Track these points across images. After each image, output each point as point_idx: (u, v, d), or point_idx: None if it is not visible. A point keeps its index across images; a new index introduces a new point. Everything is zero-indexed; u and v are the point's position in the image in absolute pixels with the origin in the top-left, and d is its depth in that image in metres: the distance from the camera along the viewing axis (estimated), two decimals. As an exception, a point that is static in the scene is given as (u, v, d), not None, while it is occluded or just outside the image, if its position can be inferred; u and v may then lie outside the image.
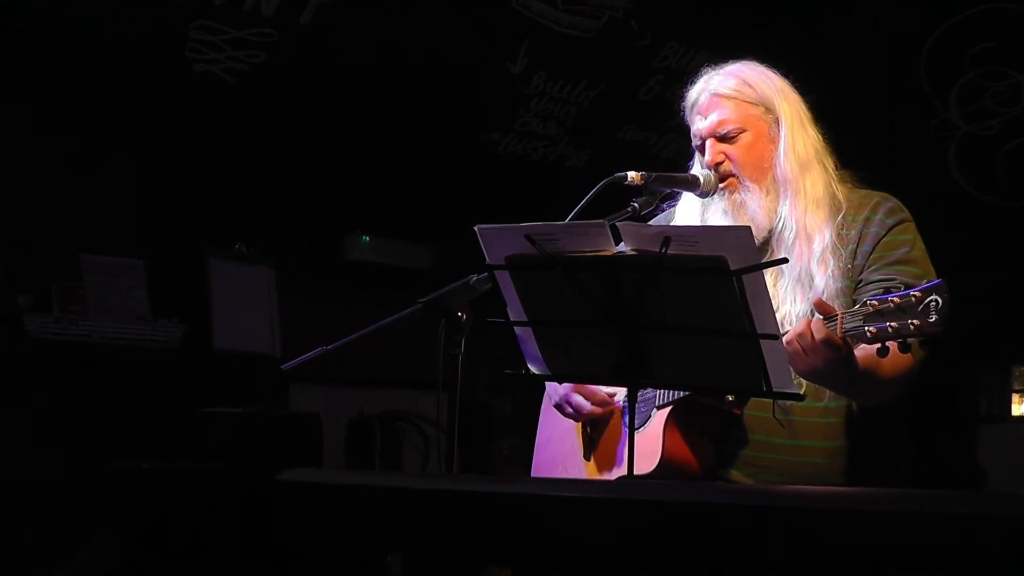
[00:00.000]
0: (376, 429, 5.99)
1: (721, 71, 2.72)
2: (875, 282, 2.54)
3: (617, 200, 2.66)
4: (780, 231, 2.63)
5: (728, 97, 2.68)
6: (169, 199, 5.28)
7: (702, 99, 2.71)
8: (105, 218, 5.13)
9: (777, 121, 2.67)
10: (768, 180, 2.66)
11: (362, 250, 6.02)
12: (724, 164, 2.67)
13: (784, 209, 2.63)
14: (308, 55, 5.10)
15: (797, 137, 2.66)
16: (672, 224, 2.78)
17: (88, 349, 4.70)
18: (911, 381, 2.52)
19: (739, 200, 2.65)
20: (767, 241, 2.64)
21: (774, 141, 2.67)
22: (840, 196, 2.65)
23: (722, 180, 2.67)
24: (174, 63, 4.94)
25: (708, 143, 2.69)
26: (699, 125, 2.71)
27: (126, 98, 4.97)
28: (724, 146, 2.67)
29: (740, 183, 2.66)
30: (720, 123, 2.67)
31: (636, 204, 2.66)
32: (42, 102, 4.87)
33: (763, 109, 2.68)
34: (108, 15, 4.71)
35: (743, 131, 2.66)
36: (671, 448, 2.56)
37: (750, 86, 2.68)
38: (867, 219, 2.62)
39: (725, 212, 2.66)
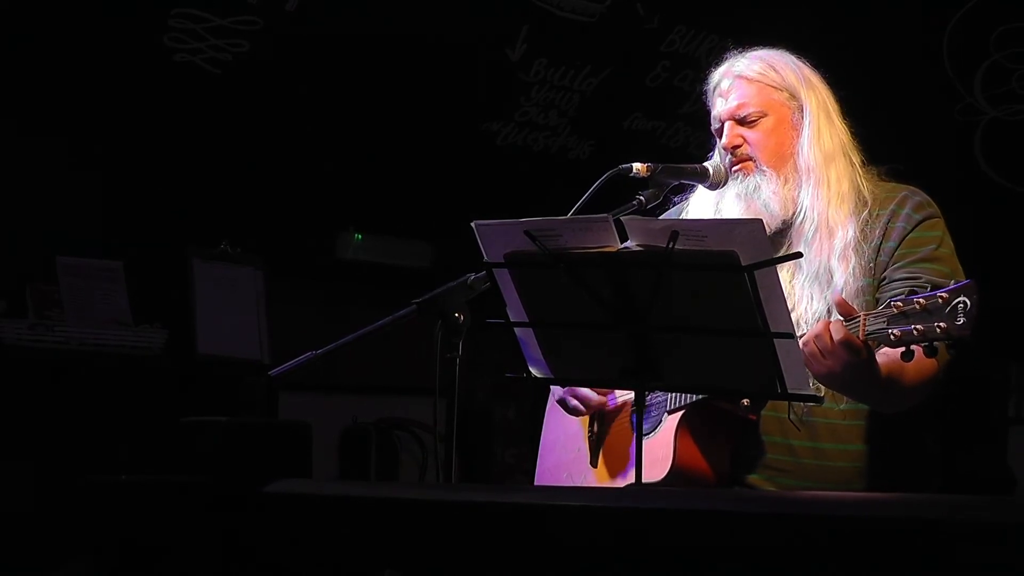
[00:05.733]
0: (371, 438, 6.00)
1: (747, 54, 2.73)
2: (899, 280, 2.54)
3: (622, 193, 2.66)
4: (800, 223, 2.63)
5: (752, 80, 2.68)
6: (150, 197, 5.27)
7: (724, 81, 2.72)
8: (82, 218, 5.13)
9: (801, 109, 2.67)
10: (788, 168, 2.66)
11: (355, 248, 6.02)
12: (742, 147, 2.68)
13: (805, 199, 2.63)
14: (295, 43, 5.10)
15: (823, 127, 2.66)
16: (682, 217, 2.78)
17: (65, 356, 4.70)
18: (934, 388, 2.52)
19: (753, 184, 2.65)
20: (783, 231, 2.65)
21: (796, 129, 2.67)
22: (866, 192, 2.65)
23: (738, 163, 2.67)
24: (153, 53, 4.94)
25: (727, 125, 2.70)
26: (719, 107, 2.72)
27: (103, 90, 4.96)
28: (743, 129, 2.68)
29: (756, 167, 2.66)
30: (740, 106, 2.68)
31: (642, 197, 2.66)
32: (13, 97, 4.87)
33: (787, 95, 2.68)
34: (80, 3, 4.71)
35: (764, 115, 2.67)
36: (683, 454, 2.55)
37: (776, 71, 2.69)
38: (893, 213, 2.62)
39: (738, 196, 2.66)
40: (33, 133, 4.99)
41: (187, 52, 5.00)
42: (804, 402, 2.49)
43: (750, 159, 2.67)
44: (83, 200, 5.14)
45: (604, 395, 2.76)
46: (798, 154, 2.66)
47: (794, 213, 2.64)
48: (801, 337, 2.30)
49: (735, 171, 2.68)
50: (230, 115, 5.24)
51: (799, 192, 2.64)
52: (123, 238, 5.15)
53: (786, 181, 2.65)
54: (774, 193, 2.64)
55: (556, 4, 5.43)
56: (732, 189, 2.69)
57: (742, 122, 2.68)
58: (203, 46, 5.00)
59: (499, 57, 5.54)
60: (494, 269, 2.32)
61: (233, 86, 5.13)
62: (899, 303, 2.21)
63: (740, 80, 2.70)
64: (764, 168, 2.66)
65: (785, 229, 2.65)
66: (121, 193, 5.21)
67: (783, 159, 2.67)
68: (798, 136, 2.67)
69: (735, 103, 2.68)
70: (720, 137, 2.72)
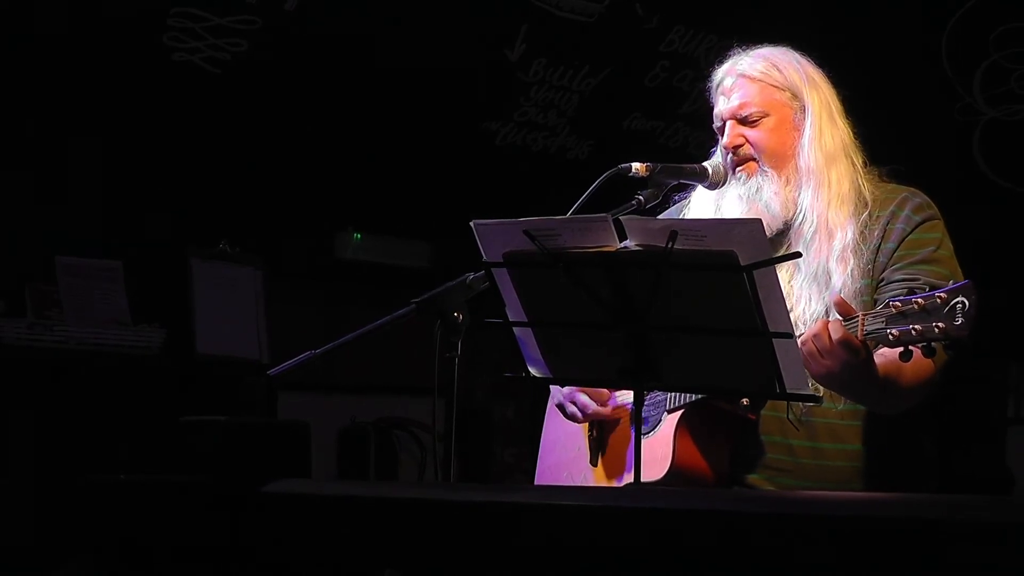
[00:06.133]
0: (370, 438, 6.00)
1: (751, 53, 2.73)
2: (897, 281, 2.53)
3: (621, 193, 2.66)
4: (800, 224, 2.63)
5: (754, 79, 2.68)
6: (149, 197, 5.27)
7: (727, 79, 2.71)
8: (81, 217, 5.13)
9: (803, 109, 2.67)
10: (789, 169, 2.66)
11: (354, 248, 6.02)
12: (743, 147, 2.67)
13: (805, 200, 2.63)
14: (294, 43, 5.10)
15: (824, 128, 2.66)
16: (681, 217, 2.77)
17: (64, 356, 4.70)
18: (932, 389, 2.52)
19: (755, 186, 2.65)
20: (783, 232, 2.64)
21: (798, 129, 2.67)
22: (867, 194, 2.65)
23: (740, 163, 2.67)
24: (152, 52, 4.93)
25: (728, 125, 2.69)
26: (721, 106, 2.72)
27: (102, 90, 4.96)
28: (744, 129, 2.67)
29: (759, 167, 2.66)
30: (742, 105, 2.67)
31: (641, 197, 2.66)
32: (12, 97, 4.87)
33: (790, 95, 2.68)
34: (79, 3, 4.71)
35: (766, 115, 2.66)
36: (682, 454, 2.55)
37: (778, 70, 2.68)
38: (893, 214, 2.62)
39: (740, 197, 2.66)
40: (33, 133, 4.99)
41: (186, 51, 4.99)
42: (803, 402, 2.49)
43: (752, 159, 2.67)
44: (83, 200, 5.14)
45: (603, 404, 2.74)
46: (799, 154, 2.65)
47: (794, 214, 2.64)
48: (799, 337, 2.31)
49: (738, 172, 2.68)
50: (229, 115, 5.24)
51: (799, 193, 2.64)
52: (123, 238, 5.15)
53: (787, 182, 2.65)
54: (775, 194, 2.64)
55: (555, 4, 5.43)
56: (734, 190, 2.68)
57: (743, 121, 2.68)
58: (202, 45, 5.00)
59: (498, 57, 5.54)
60: (493, 269, 2.32)
61: (232, 86, 5.13)
62: (897, 303, 2.21)
63: (743, 79, 2.69)
64: (766, 168, 2.66)
65: (785, 230, 2.65)
66: (121, 193, 5.21)
67: (784, 159, 2.66)
68: (799, 136, 2.67)
69: (737, 102, 2.68)
70: (722, 135, 2.72)
